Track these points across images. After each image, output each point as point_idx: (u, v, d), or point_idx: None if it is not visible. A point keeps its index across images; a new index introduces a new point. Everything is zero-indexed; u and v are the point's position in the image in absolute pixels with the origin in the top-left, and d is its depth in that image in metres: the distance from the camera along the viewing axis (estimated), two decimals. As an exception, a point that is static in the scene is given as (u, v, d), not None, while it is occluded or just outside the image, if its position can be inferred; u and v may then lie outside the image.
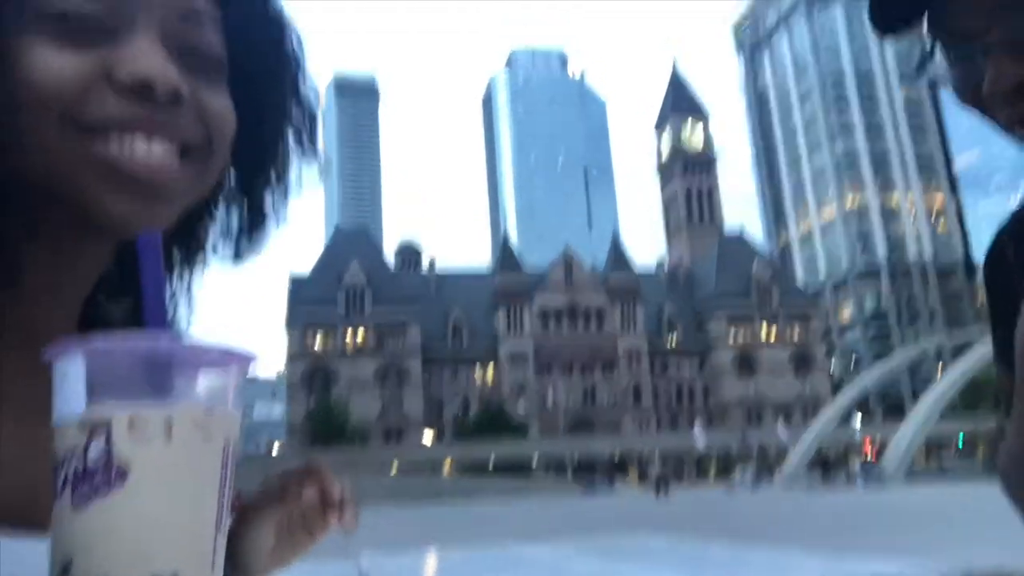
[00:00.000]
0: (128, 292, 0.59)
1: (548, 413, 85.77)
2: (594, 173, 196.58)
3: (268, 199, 0.62)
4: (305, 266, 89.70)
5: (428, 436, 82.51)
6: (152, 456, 0.34)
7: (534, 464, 74.22)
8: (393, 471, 59.28)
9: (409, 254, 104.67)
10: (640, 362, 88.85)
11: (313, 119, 0.63)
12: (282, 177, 0.62)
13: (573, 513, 30.03)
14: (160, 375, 0.36)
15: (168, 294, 0.44)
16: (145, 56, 0.49)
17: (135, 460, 0.34)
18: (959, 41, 0.61)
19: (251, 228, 0.63)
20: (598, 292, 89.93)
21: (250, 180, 0.62)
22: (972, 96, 0.62)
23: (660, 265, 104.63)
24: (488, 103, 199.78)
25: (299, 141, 0.62)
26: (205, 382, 0.37)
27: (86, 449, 0.34)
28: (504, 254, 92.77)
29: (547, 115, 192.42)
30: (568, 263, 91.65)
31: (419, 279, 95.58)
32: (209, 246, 0.62)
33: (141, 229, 0.41)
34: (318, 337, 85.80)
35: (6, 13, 0.48)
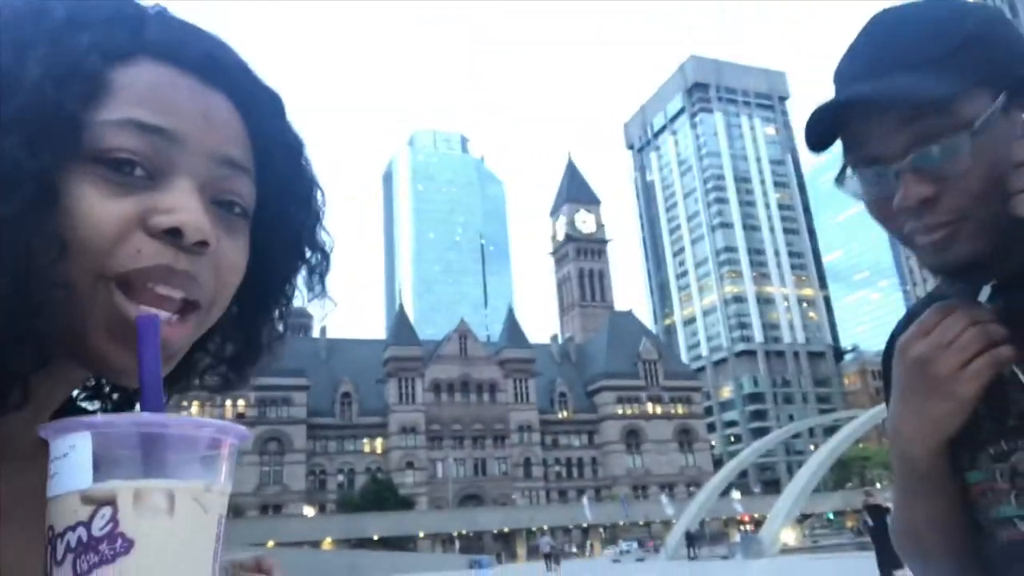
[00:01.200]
0: (103, 394, 0.62)
1: (437, 485, 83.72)
2: (491, 250, 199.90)
3: (266, 336, 0.65)
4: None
5: (309, 509, 78.42)
6: (156, 528, 0.36)
7: (421, 537, 71.77)
8: (270, 544, 55.80)
9: (299, 320, 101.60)
10: (532, 435, 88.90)
11: (327, 264, 0.66)
12: (284, 317, 0.65)
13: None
14: (159, 451, 0.37)
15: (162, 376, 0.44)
16: (182, 205, 0.50)
17: (140, 531, 0.36)
18: (873, 164, 0.75)
19: (243, 362, 0.64)
20: (492, 365, 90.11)
21: (252, 317, 0.63)
22: (880, 210, 0.76)
23: (553, 340, 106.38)
24: (388, 179, 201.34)
25: (310, 284, 0.65)
26: (201, 458, 0.39)
27: (92, 520, 0.36)
28: (399, 324, 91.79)
29: (446, 193, 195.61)
30: (463, 336, 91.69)
31: (309, 346, 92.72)
32: (196, 377, 0.63)
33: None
34: (194, 406, 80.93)
35: (60, 149, 0.48)
